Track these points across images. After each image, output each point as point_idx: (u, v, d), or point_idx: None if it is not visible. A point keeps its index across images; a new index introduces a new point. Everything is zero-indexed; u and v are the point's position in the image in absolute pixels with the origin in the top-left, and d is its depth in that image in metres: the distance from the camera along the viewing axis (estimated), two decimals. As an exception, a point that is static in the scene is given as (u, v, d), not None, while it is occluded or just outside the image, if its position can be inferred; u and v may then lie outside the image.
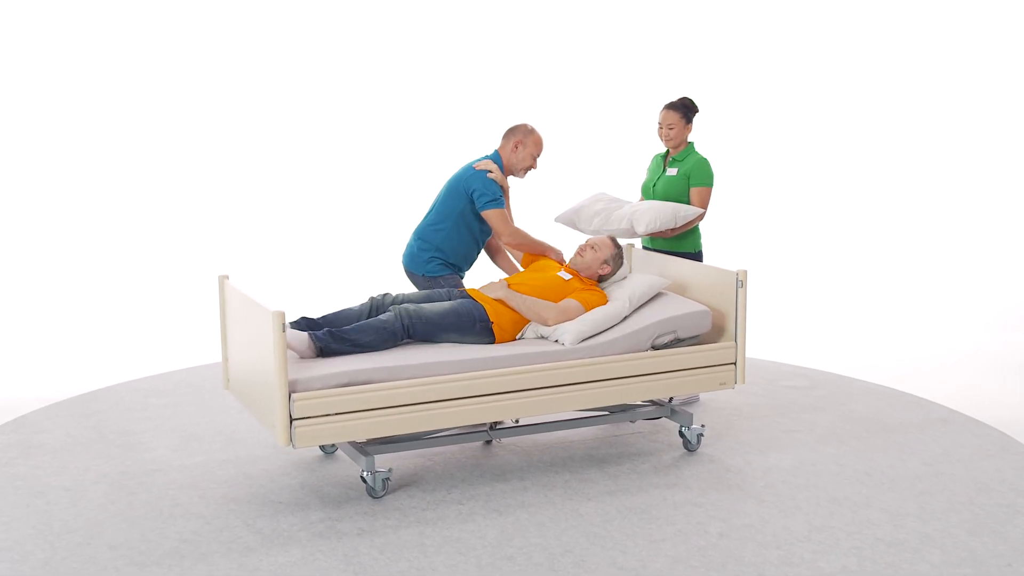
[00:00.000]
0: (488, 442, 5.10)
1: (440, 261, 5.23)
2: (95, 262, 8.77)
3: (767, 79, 9.88)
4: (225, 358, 4.75)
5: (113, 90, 9.20)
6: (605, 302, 4.83)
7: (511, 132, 5.26)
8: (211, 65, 9.41)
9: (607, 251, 5.02)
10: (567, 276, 4.91)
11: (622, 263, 5.10)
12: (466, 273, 5.39)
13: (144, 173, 9.28)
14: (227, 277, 4.69)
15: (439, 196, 5.29)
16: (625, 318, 4.79)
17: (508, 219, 5.13)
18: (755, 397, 5.87)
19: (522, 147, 5.21)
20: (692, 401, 5.79)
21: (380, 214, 9.26)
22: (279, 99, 9.61)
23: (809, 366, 6.60)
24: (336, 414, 4.07)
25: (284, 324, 3.91)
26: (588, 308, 4.74)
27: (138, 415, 5.51)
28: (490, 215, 5.08)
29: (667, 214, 5.31)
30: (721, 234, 7.41)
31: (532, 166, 5.27)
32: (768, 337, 7.40)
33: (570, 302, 4.72)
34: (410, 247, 5.32)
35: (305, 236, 9.48)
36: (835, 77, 9.84)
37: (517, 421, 5.20)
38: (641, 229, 5.28)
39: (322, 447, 4.92)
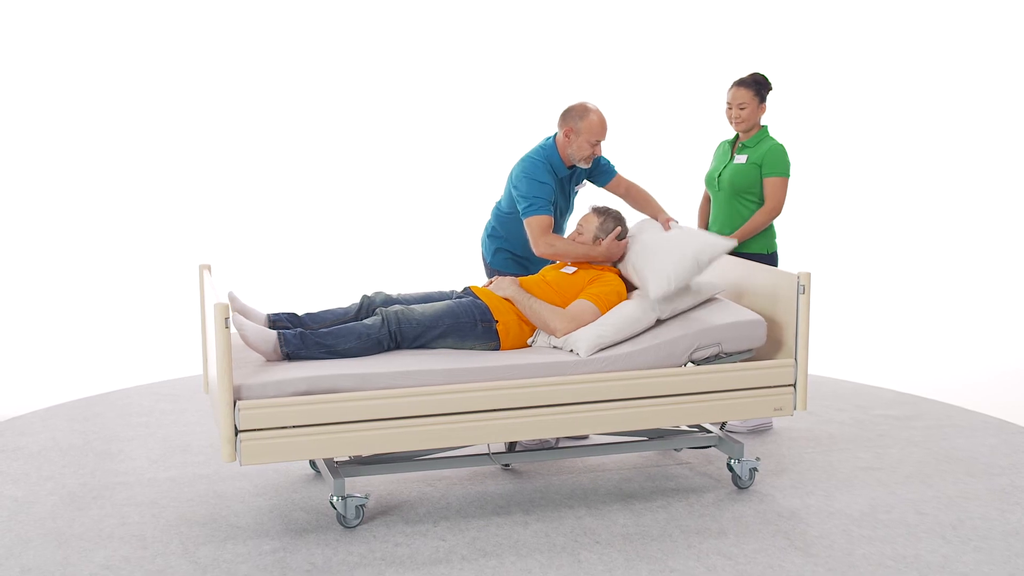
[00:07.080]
0: (506, 466, 4.40)
1: (507, 254, 4.61)
2: (116, 263, 8.31)
3: (860, 57, 8.81)
4: (205, 358, 4.21)
5: (108, 94, 8.69)
6: (622, 292, 4.05)
7: (562, 117, 4.32)
8: (210, 67, 8.91)
9: (592, 225, 4.17)
10: (571, 270, 4.16)
11: (619, 225, 4.16)
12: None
13: (147, 172, 8.75)
14: (208, 267, 4.15)
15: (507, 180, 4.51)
16: (659, 322, 4.02)
17: (545, 228, 4.19)
18: (840, 426, 4.99)
19: (574, 136, 4.25)
20: (764, 429, 4.96)
21: (384, 212, 8.66)
22: (289, 94, 9.04)
23: (914, 392, 5.64)
24: (292, 427, 3.46)
25: (227, 319, 3.34)
26: (604, 307, 3.97)
27: (136, 420, 5.03)
28: (527, 222, 4.24)
29: (685, 266, 3.98)
30: (799, 233, 6.52)
31: (594, 153, 4.30)
32: (866, 358, 6.46)
33: (580, 304, 3.95)
34: (484, 229, 4.71)
35: (314, 234, 8.89)
36: (940, 68, 8.72)
37: (557, 442, 4.50)
38: (657, 293, 3.97)
39: (312, 464, 4.32)
